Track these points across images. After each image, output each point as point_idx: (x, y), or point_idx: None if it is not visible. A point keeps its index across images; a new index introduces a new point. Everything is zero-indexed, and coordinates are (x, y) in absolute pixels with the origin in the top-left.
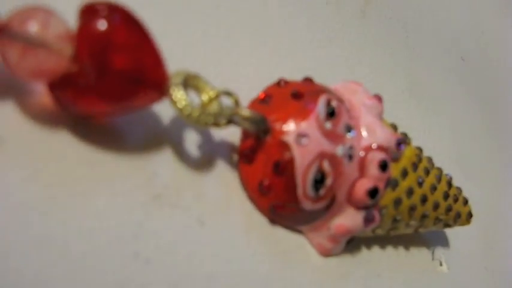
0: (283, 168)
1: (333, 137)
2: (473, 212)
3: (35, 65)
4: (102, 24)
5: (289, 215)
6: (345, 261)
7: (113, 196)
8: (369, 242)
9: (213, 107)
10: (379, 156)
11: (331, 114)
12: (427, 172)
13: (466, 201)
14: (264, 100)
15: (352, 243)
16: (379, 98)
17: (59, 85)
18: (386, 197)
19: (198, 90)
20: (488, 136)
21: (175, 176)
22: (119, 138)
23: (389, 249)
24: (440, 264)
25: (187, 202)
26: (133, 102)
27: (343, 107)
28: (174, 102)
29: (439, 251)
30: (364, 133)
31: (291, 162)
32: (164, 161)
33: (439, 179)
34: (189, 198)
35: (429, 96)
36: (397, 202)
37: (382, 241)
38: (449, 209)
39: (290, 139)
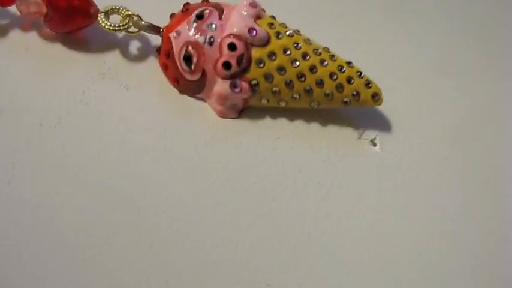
0: (169, 53)
1: (197, 31)
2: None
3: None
4: None
5: (184, 85)
6: (242, 122)
7: (75, 72)
8: (274, 114)
9: (124, 22)
10: (229, 40)
11: (200, 17)
12: (305, 56)
13: (367, 83)
14: (172, 15)
15: (254, 113)
16: (253, 4)
17: (44, 20)
18: (254, 72)
19: (118, 14)
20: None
21: (117, 63)
22: (86, 45)
23: (298, 123)
24: (374, 145)
25: (121, 77)
26: (78, 23)
27: (215, 13)
28: (99, 23)
29: (373, 133)
30: (227, 27)
31: (172, 49)
32: (112, 55)
33: (322, 62)
34: (122, 75)
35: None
36: (268, 76)
37: (291, 116)
38: (339, 88)
39: (171, 35)
